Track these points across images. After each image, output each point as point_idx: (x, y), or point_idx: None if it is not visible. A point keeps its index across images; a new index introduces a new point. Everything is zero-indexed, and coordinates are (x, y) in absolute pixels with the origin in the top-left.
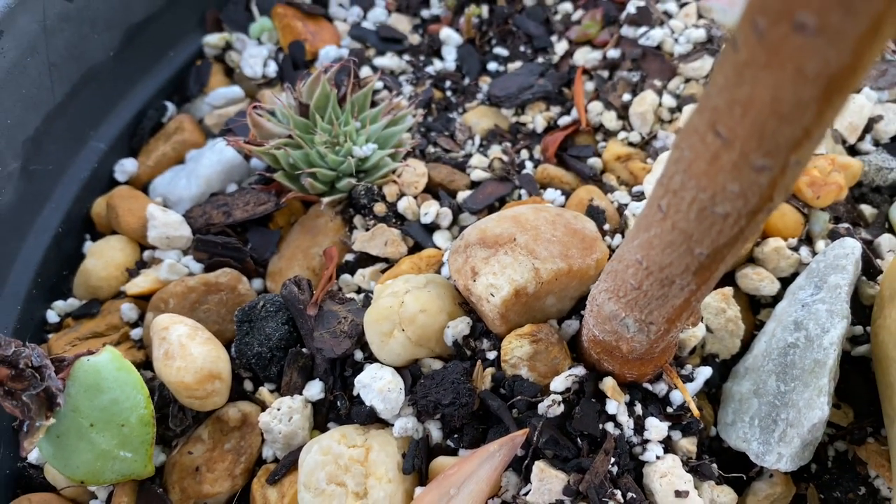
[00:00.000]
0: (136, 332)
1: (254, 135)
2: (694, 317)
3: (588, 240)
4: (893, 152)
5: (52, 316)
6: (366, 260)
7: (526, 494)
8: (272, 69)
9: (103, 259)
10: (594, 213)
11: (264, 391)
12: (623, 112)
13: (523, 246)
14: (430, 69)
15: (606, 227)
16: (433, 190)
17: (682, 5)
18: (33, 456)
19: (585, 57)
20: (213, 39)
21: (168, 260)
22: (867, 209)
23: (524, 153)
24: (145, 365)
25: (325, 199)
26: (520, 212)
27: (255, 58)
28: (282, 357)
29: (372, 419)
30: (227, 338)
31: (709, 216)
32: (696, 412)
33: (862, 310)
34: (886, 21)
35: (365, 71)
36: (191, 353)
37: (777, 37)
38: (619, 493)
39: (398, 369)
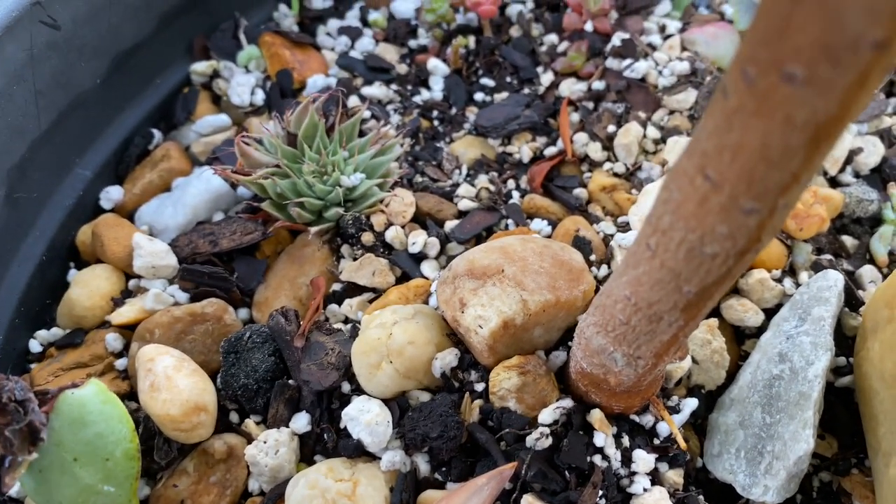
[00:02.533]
0: (120, 363)
1: (241, 164)
2: (682, 351)
3: (575, 271)
4: (873, 184)
5: (34, 345)
6: (353, 290)
7: None
8: (259, 97)
9: (88, 288)
10: (581, 244)
11: (250, 423)
12: (608, 143)
13: (511, 277)
14: (417, 98)
15: (593, 257)
16: (421, 219)
17: (665, 38)
18: (14, 490)
19: (571, 88)
20: (201, 67)
21: (154, 289)
22: (848, 240)
23: (511, 183)
24: (130, 396)
25: (313, 229)
26: (508, 243)
27: (242, 86)
28: (268, 389)
29: (359, 452)
30: (213, 368)
31: (697, 256)
32: (682, 444)
33: (845, 341)
34: (873, 74)
35: (353, 100)
36: (177, 385)
37: (766, 86)
38: None
39: (386, 401)
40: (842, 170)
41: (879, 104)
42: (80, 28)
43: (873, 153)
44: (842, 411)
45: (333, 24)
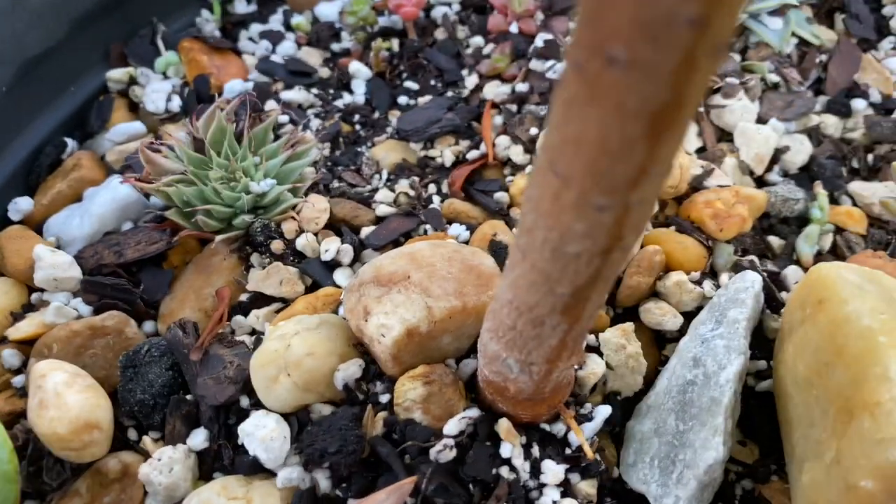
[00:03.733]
0: (18, 380)
1: (148, 172)
2: (576, 356)
3: (485, 276)
4: (801, 183)
5: None
6: (261, 300)
7: None
8: (176, 104)
9: None
10: (497, 248)
11: (147, 440)
12: (530, 146)
13: (417, 284)
14: (339, 102)
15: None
16: (335, 226)
17: None
18: None
19: (495, 91)
20: (117, 74)
21: (55, 303)
22: (775, 240)
23: (432, 187)
24: (26, 414)
25: (219, 237)
26: (417, 248)
27: (157, 92)
28: (165, 404)
29: (256, 469)
30: (114, 385)
31: (562, 256)
32: (590, 454)
33: (766, 343)
34: (700, 55)
35: (271, 105)
36: (66, 402)
37: (594, 72)
38: None
39: (286, 416)
40: (768, 169)
41: (806, 102)
42: None
43: (801, 151)
44: (763, 416)
45: (256, 28)
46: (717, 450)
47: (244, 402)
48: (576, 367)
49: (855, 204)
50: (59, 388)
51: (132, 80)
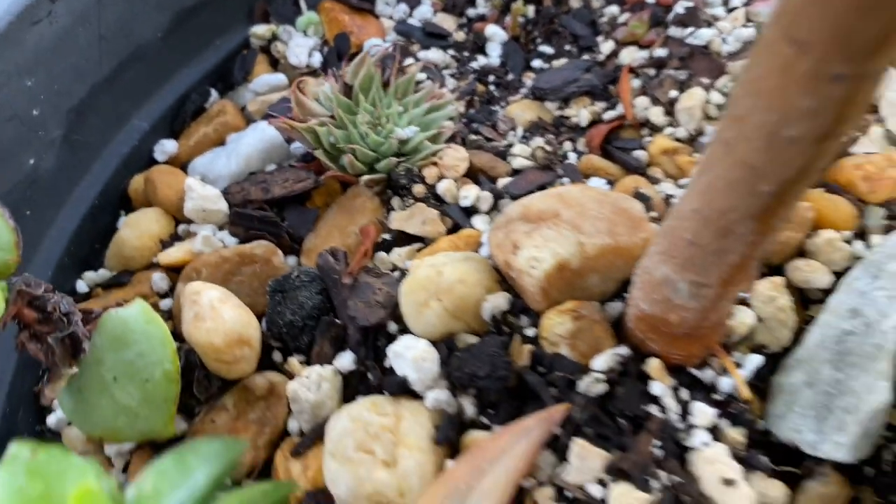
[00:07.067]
0: (165, 303)
1: (297, 113)
2: (748, 282)
3: (636, 219)
4: None
5: (81, 286)
6: (403, 239)
7: (563, 473)
8: (317, 59)
9: (138, 229)
10: (641, 199)
11: (294, 362)
12: (670, 108)
13: (568, 221)
14: (474, 64)
15: (654, 214)
16: (473, 175)
17: (730, 10)
18: (52, 422)
19: (632, 56)
20: (260, 30)
21: (203, 232)
22: None
23: (567, 145)
24: (173, 336)
25: (365, 178)
26: (565, 190)
27: (300, 47)
28: (314, 327)
29: (404, 390)
30: (259, 311)
31: (776, 143)
32: (746, 394)
33: None
34: None
35: (409, 63)
36: (222, 315)
37: None
38: (663, 475)
39: (433, 342)
40: None
41: None
42: None
43: None
44: None
45: None
46: (882, 393)
47: (392, 327)
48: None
49: None
50: (215, 304)
51: (274, 37)
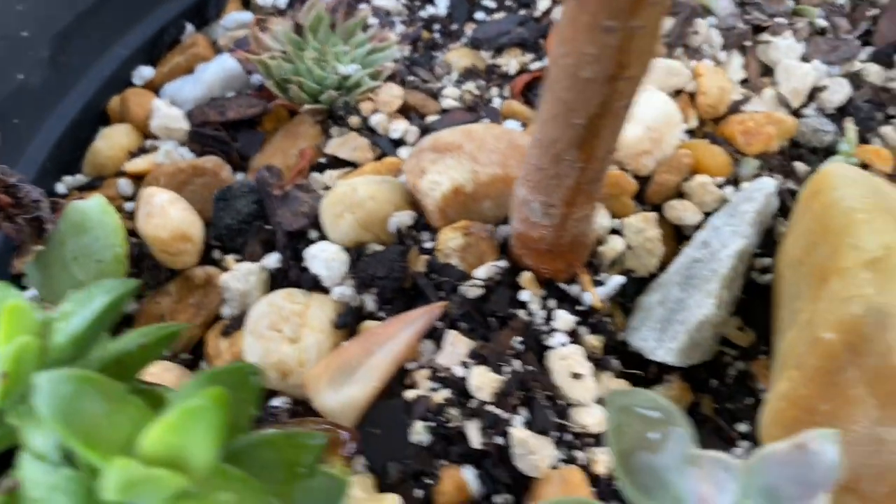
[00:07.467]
0: (129, 205)
1: (254, 47)
2: (591, 204)
3: None
4: (835, 121)
5: (61, 188)
6: (335, 163)
7: (437, 358)
8: (283, 1)
9: (111, 141)
10: None
11: (229, 259)
12: None
13: (468, 153)
14: (422, 13)
15: None
16: (406, 112)
17: None
18: (27, 297)
19: None
20: None
21: (165, 147)
22: (801, 166)
23: (494, 91)
24: (132, 233)
25: (306, 107)
26: (472, 127)
27: None
28: (248, 230)
29: (316, 286)
30: (207, 218)
31: (577, 82)
32: (597, 302)
33: (775, 245)
34: None
35: (363, 8)
36: (169, 214)
37: None
38: (517, 363)
39: (346, 249)
40: (804, 105)
41: (852, 49)
42: None
43: (839, 92)
44: (761, 307)
45: None
46: (707, 308)
47: (313, 235)
48: (593, 225)
49: (886, 146)
50: (164, 204)
51: None
